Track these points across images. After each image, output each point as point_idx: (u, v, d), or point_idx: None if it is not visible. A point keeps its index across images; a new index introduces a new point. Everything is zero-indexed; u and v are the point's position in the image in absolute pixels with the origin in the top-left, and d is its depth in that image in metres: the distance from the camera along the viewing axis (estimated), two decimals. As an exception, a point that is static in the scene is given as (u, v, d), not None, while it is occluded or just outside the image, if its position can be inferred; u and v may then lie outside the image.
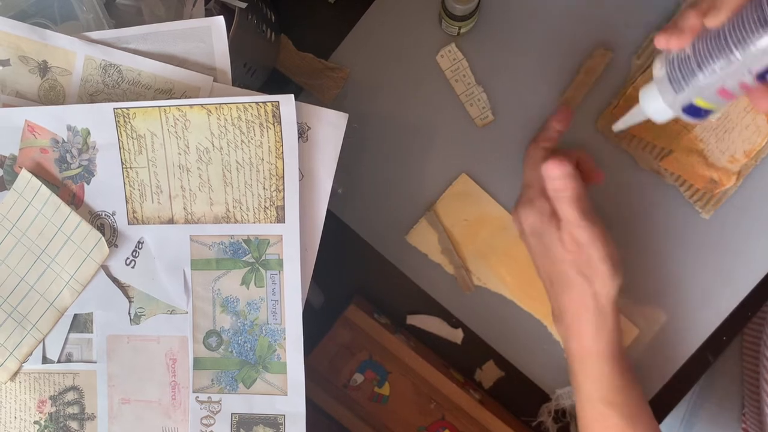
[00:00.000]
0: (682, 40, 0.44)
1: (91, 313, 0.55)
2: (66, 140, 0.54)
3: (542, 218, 0.54)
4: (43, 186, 0.54)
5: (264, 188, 0.52)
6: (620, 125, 0.52)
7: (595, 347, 0.54)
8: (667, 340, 0.62)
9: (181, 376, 0.54)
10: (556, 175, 0.52)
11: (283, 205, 0.52)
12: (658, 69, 0.47)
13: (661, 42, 0.45)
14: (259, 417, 0.53)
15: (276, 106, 0.50)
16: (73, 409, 0.56)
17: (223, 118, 0.51)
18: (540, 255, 0.56)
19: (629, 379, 0.54)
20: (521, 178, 0.59)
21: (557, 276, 0.55)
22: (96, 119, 0.53)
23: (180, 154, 0.52)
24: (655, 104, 0.47)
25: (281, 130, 0.51)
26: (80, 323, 0.55)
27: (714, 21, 0.42)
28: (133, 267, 0.54)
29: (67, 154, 0.54)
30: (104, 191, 0.54)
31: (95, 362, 0.55)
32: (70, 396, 0.56)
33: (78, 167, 0.54)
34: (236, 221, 0.53)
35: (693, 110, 0.46)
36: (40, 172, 0.55)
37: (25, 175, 0.54)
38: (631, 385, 0.54)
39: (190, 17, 0.55)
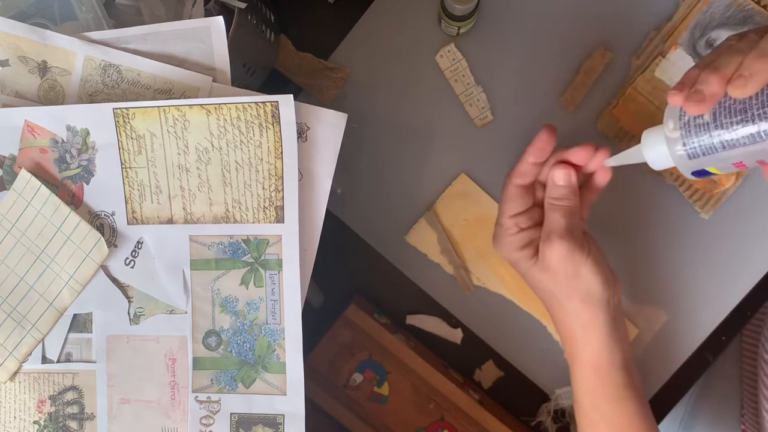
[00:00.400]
0: (701, 108, 0.41)
1: (91, 313, 0.55)
2: (65, 140, 0.54)
3: (511, 254, 0.54)
4: (43, 186, 0.54)
5: (263, 188, 0.52)
6: (613, 162, 0.51)
7: (582, 356, 0.53)
8: (666, 340, 0.62)
9: (181, 376, 0.54)
10: (561, 185, 0.52)
11: (283, 205, 0.52)
12: (671, 130, 0.44)
13: (676, 100, 0.42)
14: (258, 417, 0.53)
15: (275, 106, 0.50)
16: (73, 409, 0.56)
17: (223, 119, 0.51)
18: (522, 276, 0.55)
19: (624, 392, 0.52)
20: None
21: (540, 295, 0.55)
22: (95, 119, 0.53)
23: (179, 154, 0.52)
24: (659, 155, 0.45)
25: (280, 131, 0.51)
26: (80, 323, 0.55)
27: (741, 93, 0.39)
28: (132, 267, 0.54)
29: (67, 154, 0.54)
30: (104, 191, 0.54)
31: (95, 362, 0.55)
32: (70, 396, 0.56)
33: (77, 167, 0.54)
34: (235, 221, 0.53)
35: (701, 173, 0.44)
36: (39, 172, 0.55)
37: (24, 175, 0.54)
38: (625, 397, 0.52)
39: (190, 17, 0.55)
